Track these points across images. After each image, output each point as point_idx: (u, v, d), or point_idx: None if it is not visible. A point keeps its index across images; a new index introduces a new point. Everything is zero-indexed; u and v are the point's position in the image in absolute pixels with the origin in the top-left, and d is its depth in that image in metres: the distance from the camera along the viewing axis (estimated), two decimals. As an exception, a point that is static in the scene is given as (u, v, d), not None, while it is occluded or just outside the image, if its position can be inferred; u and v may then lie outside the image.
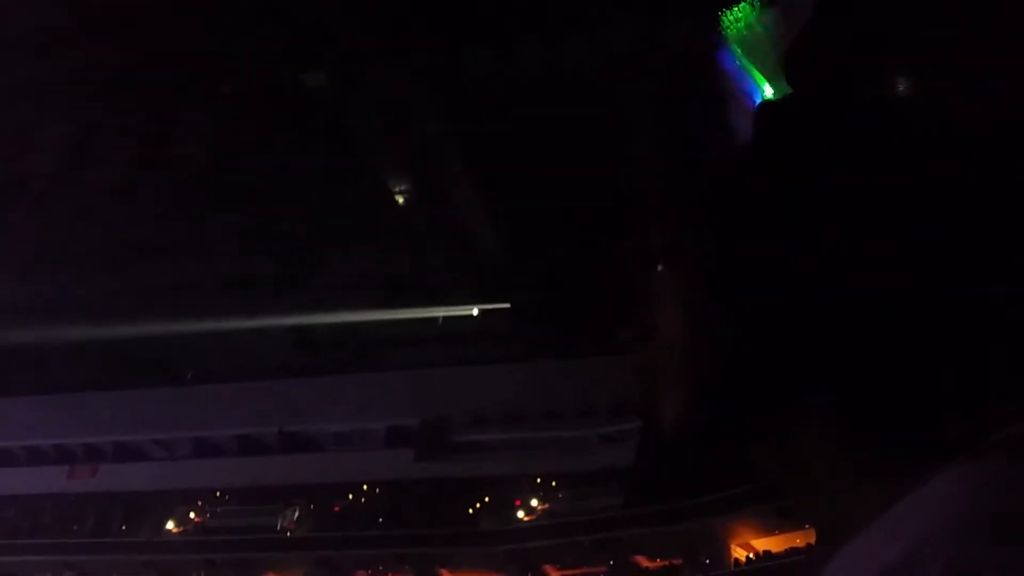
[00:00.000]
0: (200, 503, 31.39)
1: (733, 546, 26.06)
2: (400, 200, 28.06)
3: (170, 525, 31.55)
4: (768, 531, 24.70)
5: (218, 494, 31.30)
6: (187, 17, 23.01)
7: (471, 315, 29.51)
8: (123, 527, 31.98)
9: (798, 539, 22.95)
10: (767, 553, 24.83)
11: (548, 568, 27.60)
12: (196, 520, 31.40)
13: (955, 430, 0.79)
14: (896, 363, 0.82)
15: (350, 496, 29.90)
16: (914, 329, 0.82)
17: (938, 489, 0.71)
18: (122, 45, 23.61)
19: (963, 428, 0.78)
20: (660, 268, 0.91)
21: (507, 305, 29.10)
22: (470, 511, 28.66)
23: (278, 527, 29.88)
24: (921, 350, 0.83)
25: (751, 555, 25.49)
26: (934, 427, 0.80)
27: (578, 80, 21.68)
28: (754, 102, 1.08)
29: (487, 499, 28.68)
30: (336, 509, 29.77)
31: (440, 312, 29.40)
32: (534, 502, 28.63)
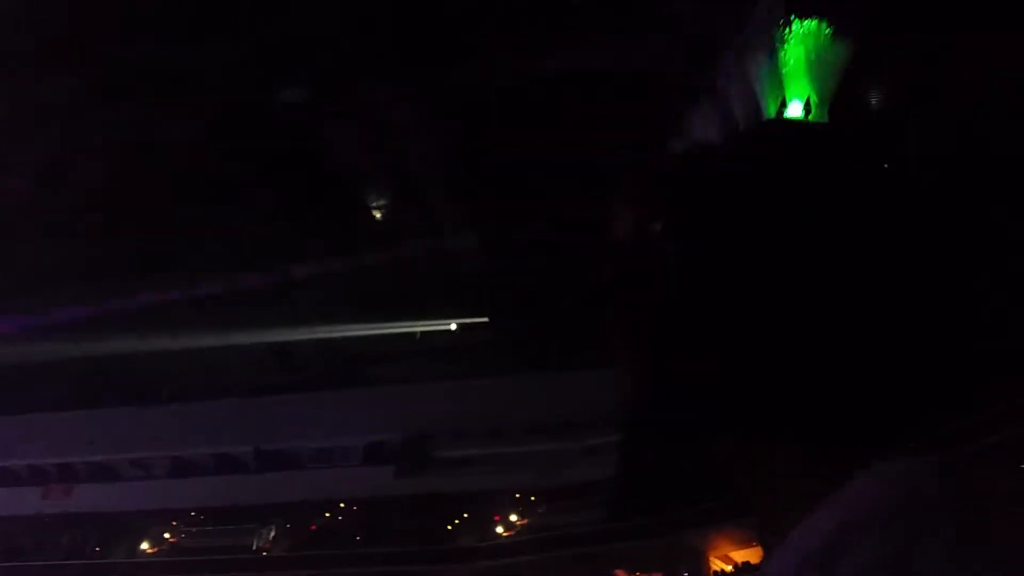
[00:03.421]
0: (175, 523, 31.10)
1: (713, 558, 26.06)
2: (378, 215, 28.01)
3: (145, 546, 31.23)
4: (747, 543, 24.70)
5: (193, 514, 30.96)
6: (163, 33, 22.98)
7: (450, 330, 29.41)
8: (97, 548, 31.63)
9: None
10: (747, 565, 24.81)
11: (528, 583, 27.43)
12: (171, 540, 31.08)
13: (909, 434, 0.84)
14: (860, 373, 0.86)
15: (327, 514, 29.62)
16: (878, 341, 0.87)
17: (857, 484, 0.76)
18: (99, 62, 23.54)
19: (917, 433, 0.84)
20: (638, 283, 0.94)
21: (486, 319, 29.04)
22: (449, 527, 28.44)
23: (254, 547, 29.56)
24: (885, 359, 0.87)
25: (731, 567, 25.47)
26: (890, 432, 0.85)
27: (560, 95, 21.79)
28: (765, 116, 1.10)
29: (466, 515, 28.48)
30: (313, 528, 29.48)
31: (419, 327, 29.29)
32: (513, 517, 28.46)
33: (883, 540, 0.72)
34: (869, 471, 0.77)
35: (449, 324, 29.21)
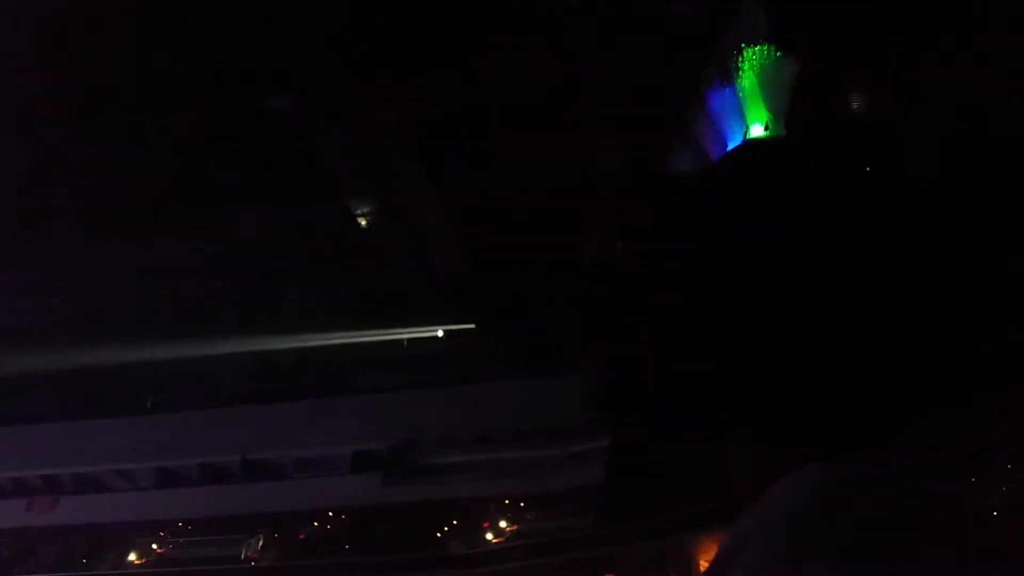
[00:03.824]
0: (162, 534, 30.86)
1: (703, 562, 26.09)
2: (364, 223, 27.95)
3: (132, 557, 30.98)
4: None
5: (181, 524, 30.77)
6: (149, 40, 22.85)
7: (436, 336, 29.34)
8: (84, 560, 31.39)
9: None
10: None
11: (518, 590, 27.42)
12: (159, 551, 30.84)
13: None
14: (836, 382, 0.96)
15: (315, 523, 29.50)
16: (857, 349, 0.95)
17: (776, 487, 0.86)
18: (84, 68, 23.39)
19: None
20: (620, 290, 1.03)
21: (472, 326, 29.00)
22: (438, 535, 28.38)
23: (242, 556, 29.37)
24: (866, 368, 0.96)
25: (719, 572, 25.53)
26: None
27: (546, 105, 21.79)
28: (732, 140, 1.24)
29: (455, 522, 28.43)
30: (301, 537, 29.37)
31: (405, 334, 29.21)
32: (503, 524, 28.43)
33: (777, 542, 0.78)
34: (781, 480, 0.89)
35: (436, 331, 29.14)
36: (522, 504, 28.58)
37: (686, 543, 25.87)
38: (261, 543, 29.59)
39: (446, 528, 28.53)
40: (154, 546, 30.96)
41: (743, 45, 15.16)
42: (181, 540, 30.73)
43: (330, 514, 29.56)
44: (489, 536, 28.34)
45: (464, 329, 29.11)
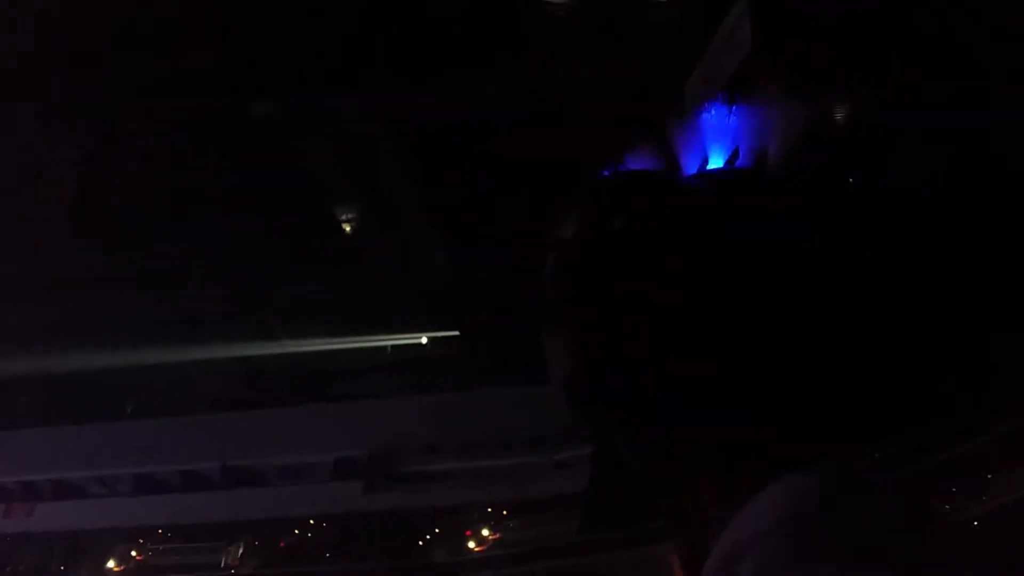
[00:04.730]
0: (142, 541, 30.61)
1: (691, 570, 26.05)
2: (347, 229, 27.74)
3: (111, 564, 30.69)
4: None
5: (160, 531, 30.52)
6: (130, 41, 22.59)
7: (420, 343, 29.19)
8: (62, 567, 31.14)
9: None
10: (719, 579, 24.88)
11: (501, 599, 27.31)
12: (138, 559, 30.58)
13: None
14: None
15: (296, 531, 29.32)
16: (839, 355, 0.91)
17: (759, 497, 0.81)
18: (64, 70, 23.10)
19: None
20: (605, 293, 0.99)
21: (456, 333, 28.87)
22: (420, 543, 28.24)
23: (222, 564, 29.18)
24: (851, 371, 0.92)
25: (703, 581, 25.52)
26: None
27: (532, 109, 21.72)
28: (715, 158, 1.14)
29: (438, 530, 28.30)
30: (282, 545, 29.19)
31: (388, 341, 29.04)
32: (486, 532, 28.31)
33: (767, 555, 0.73)
34: (776, 484, 0.79)
35: (420, 338, 29.00)
36: (506, 512, 28.49)
37: (671, 551, 25.79)
38: (241, 551, 29.38)
39: (429, 536, 28.41)
40: (133, 552, 30.70)
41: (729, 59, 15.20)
42: (160, 547, 30.50)
43: (311, 522, 29.39)
44: (472, 544, 28.23)
45: (448, 336, 28.99)
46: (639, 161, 1.14)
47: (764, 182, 1.02)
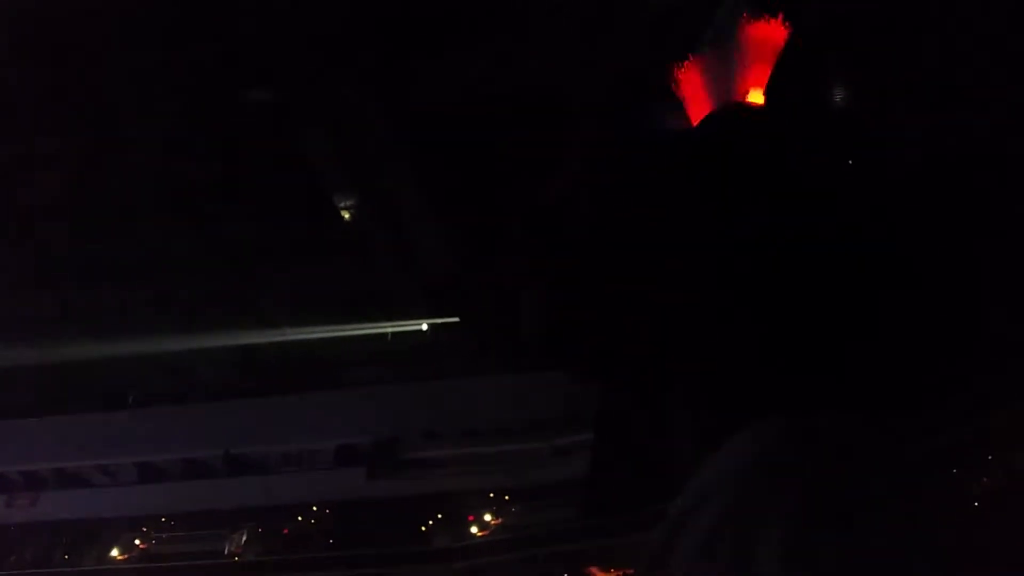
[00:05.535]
0: (145, 529, 30.74)
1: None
2: (346, 215, 27.72)
3: (114, 553, 30.84)
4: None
5: (163, 520, 30.63)
6: (127, 30, 22.50)
7: (420, 330, 29.22)
8: (66, 556, 31.26)
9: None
10: (719, 562, 25.05)
11: (503, 583, 27.48)
12: (141, 547, 30.72)
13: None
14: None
15: (299, 518, 29.45)
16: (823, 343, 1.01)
17: (728, 444, 0.90)
18: (58, 62, 23.02)
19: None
20: (599, 280, 1.08)
21: (456, 319, 28.88)
22: (423, 528, 28.39)
23: (226, 552, 29.31)
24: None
25: (703, 564, 25.69)
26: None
27: (529, 95, 21.64)
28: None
29: (440, 516, 28.45)
30: (285, 532, 29.31)
31: (388, 328, 29.06)
32: (488, 517, 28.47)
33: (728, 507, 0.75)
34: (743, 432, 0.88)
35: (420, 325, 29.03)
36: (507, 497, 28.64)
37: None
38: (245, 538, 29.51)
39: (431, 522, 28.56)
40: (136, 541, 30.83)
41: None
42: (164, 535, 30.62)
43: (314, 508, 29.52)
44: (474, 529, 28.39)
45: (449, 323, 29.01)
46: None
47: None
